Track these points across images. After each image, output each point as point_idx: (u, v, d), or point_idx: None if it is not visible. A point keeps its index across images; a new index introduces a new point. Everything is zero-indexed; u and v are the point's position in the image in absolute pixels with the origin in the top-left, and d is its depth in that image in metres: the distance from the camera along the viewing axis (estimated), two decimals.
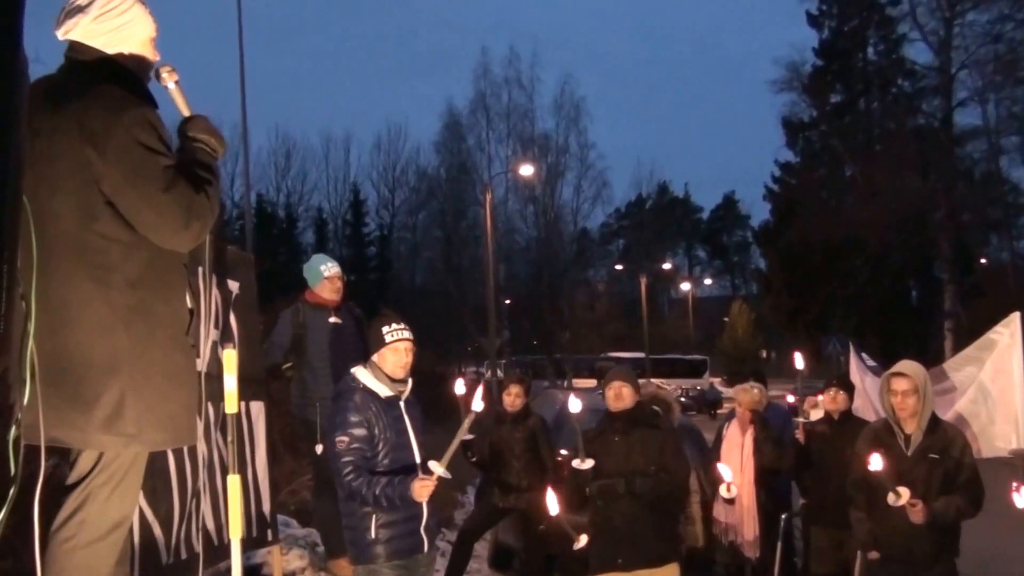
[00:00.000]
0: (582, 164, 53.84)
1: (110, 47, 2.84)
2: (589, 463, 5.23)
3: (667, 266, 67.62)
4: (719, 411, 32.05)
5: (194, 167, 2.79)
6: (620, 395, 5.44)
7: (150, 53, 2.93)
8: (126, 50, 2.86)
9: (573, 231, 56.35)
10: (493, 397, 8.17)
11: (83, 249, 2.65)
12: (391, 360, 4.34)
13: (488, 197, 35.25)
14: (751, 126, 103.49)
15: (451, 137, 53.19)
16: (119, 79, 2.79)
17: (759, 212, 59.36)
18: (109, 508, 2.76)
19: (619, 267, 64.85)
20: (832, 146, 42.06)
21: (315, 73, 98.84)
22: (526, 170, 43.85)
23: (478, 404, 4.15)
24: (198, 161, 2.82)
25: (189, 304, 2.90)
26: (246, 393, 4.84)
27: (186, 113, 2.99)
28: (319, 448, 6.10)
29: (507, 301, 47.20)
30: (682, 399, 25.82)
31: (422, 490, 4.04)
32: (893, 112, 40.00)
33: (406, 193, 58.81)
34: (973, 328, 25.48)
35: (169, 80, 2.93)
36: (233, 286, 4.73)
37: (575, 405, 5.46)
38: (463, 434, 4.14)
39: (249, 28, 19.88)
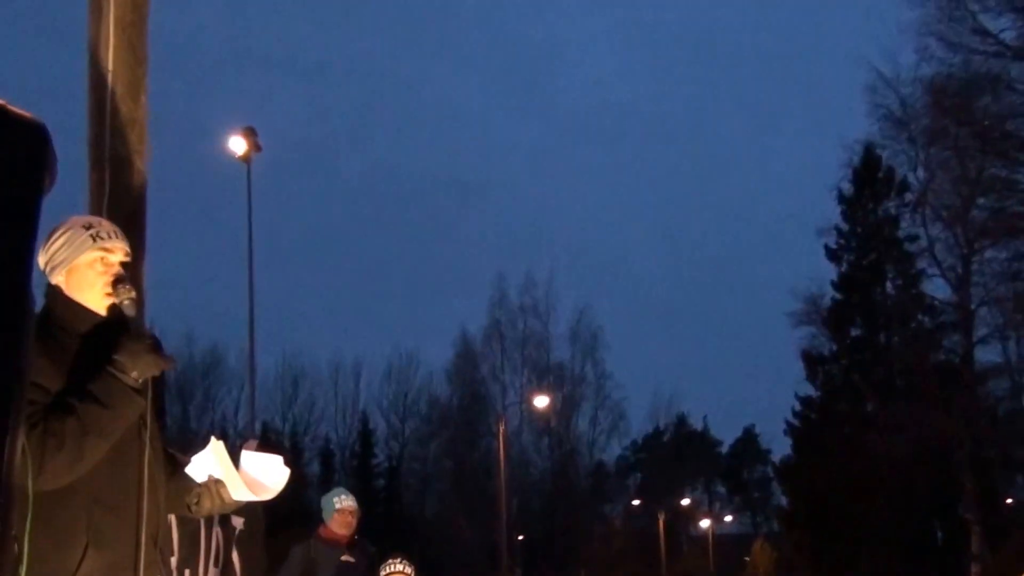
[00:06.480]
0: (598, 395, 53.55)
1: (51, 278, 2.82)
2: None
3: (686, 501, 65.79)
4: None
5: (72, 395, 2.62)
6: None
7: (90, 277, 2.81)
8: (61, 278, 2.81)
9: (589, 464, 55.28)
10: None
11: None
12: None
13: (502, 428, 34.87)
14: (771, 357, 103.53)
15: (464, 366, 53.15)
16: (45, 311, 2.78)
17: (780, 446, 58.04)
18: None
19: (636, 502, 63.18)
20: (853, 381, 41.77)
21: (326, 298, 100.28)
22: (541, 401, 43.39)
23: None
24: (84, 389, 2.64)
25: (85, 541, 2.61)
26: None
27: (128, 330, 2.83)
28: None
29: (520, 537, 45.65)
30: None
31: None
32: (914, 347, 39.82)
33: (417, 423, 57.49)
34: (1000, 571, 24.11)
35: (124, 298, 2.80)
36: (237, 522, 4.55)
37: None
38: None
39: (260, 252, 20.26)
